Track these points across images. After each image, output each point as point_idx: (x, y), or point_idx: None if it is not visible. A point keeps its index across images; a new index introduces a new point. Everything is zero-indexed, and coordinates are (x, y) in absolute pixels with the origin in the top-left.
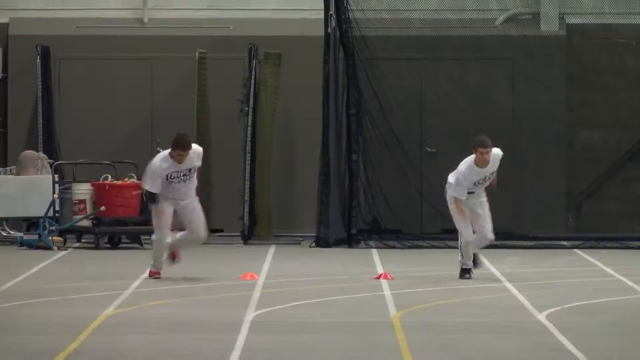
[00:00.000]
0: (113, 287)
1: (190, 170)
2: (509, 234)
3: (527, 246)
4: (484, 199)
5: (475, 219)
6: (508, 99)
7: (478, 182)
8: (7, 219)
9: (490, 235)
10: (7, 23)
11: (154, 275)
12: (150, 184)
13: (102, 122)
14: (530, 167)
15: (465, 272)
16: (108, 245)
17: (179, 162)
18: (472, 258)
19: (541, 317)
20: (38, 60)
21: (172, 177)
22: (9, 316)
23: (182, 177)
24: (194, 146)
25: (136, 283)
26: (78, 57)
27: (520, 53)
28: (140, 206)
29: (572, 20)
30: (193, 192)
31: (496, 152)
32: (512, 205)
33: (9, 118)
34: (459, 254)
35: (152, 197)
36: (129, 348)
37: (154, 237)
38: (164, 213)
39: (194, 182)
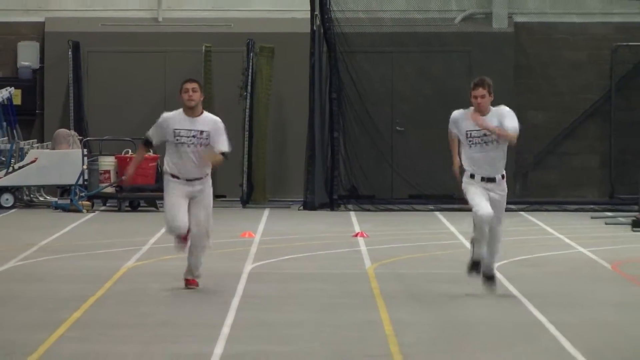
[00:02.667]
0: (133, 244)
1: (202, 133)
2: (461, 198)
3: None
4: (503, 193)
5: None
6: (465, 86)
7: (475, 137)
8: (44, 187)
9: (500, 233)
10: (43, 22)
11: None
12: (152, 131)
13: (123, 105)
14: None
15: (475, 266)
16: (129, 209)
17: (189, 99)
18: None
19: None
20: (70, 53)
21: (181, 134)
22: (46, 267)
23: (192, 139)
24: (211, 115)
25: (152, 240)
26: (103, 50)
27: (475, 47)
28: (156, 175)
29: (519, 19)
30: (207, 176)
31: (503, 108)
32: None
33: (45, 102)
34: (470, 243)
35: (145, 139)
36: (148, 293)
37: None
38: (172, 194)
39: (204, 162)
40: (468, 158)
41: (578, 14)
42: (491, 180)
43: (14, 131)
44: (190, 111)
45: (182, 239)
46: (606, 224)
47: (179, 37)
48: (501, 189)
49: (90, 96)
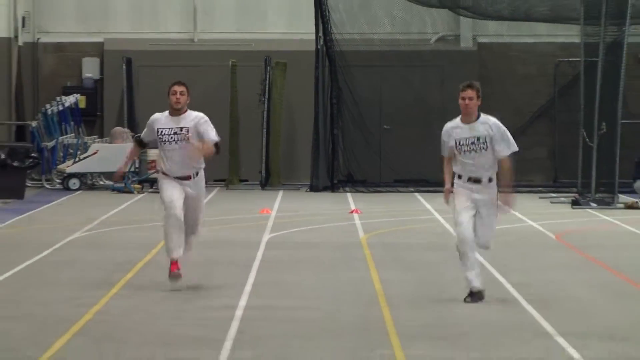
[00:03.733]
0: None
1: (182, 129)
2: (435, 183)
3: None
4: (489, 197)
5: (476, 220)
6: (439, 94)
7: (463, 145)
8: (103, 173)
9: (487, 244)
10: (103, 42)
11: (174, 271)
12: (144, 132)
13: (165, 108)
14: None
15: (473, 296)
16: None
17: (176, 102)
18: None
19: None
20: (124, 67)
21: (163, 132)
22: (105, 237)
23: (174, 137)
24: (196, 112)
25: None
26: (150, 65)
27: (446, 62)
28: None
29: (482, 40)
30: (198, 175)
31: (494, 121)
32: (440, 159)
33: (104, 106)
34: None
35: (137, 138)
36: (183, 258)
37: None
38: (166, 185)
39: (192, 155)
40: (458, 162)
41: (529, 36)
42: (477, 181)
43: (80, 129)
44: (175, 112)
45: (174, 265)
46: (551, 202)
47: (210, 55)
48: (487, 192)
49: (140, 101)
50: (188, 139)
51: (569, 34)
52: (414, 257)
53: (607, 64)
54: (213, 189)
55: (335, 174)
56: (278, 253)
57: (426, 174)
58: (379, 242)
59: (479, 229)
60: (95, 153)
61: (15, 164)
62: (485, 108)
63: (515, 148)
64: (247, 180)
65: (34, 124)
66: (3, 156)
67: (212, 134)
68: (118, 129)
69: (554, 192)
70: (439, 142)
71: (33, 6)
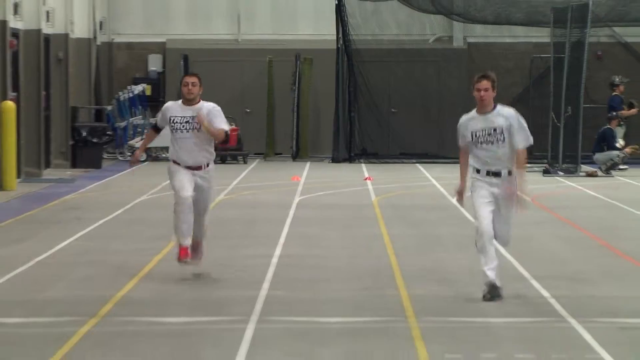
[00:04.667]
0: (223, 184)
1: (194, 118)
2: (433, 155)
3: (447, 162)
4: (510, 191)
5: (495, 215)
6: (436, 84)
7: (480, 136)
8: (165, 147)
9: (507, 239)
10: (165, 42)
11: (183, 257)
12: (158, 118)
13: (212, 96)
14: (443, 125)
15: (492, 290)
16: (220, 162)
17: (188, 92)
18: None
19: (454, 201)
20: (181, 62)
21: (175, 121)
22: (166, 200)
23: (185, 125)
24: (209, 103)
25: (234, 182)
26: (203, 60)
27: (442, 58)
28: (237, 140)
29: (471, 40)
30: (208, 167)
31: (511, 112)
32: (437, 136)
33: (166, 93)
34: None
35: (153, 124)
36: (228, 218)
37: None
38: (176, 173)
39: (204, 144)
40: (475, 156)
41: (509, 37)
42: (497, 174)
43: (146, 112)
44: (188, 102)
45: (184, 251)
46: (544, 172)
47: (251, 52)
48: (507, 185)
49: None
50: (199, 128)
51: (541, 35)
52: (417, 216)
53: (572, 60)
54: (254, 161)
55: (352, 148)
56: (306, 212)
57: (426, 148)
58: (387, 203)
59: (498, 224)
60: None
61: (94, 140)
62: (472, 98)
63: (531, 141)
64: (281, 154)
65: (109, 108)
66: (84, 134)
67: (222, 124)
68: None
69: (528, 163)
70: (436, 123)
71: (108, 13)
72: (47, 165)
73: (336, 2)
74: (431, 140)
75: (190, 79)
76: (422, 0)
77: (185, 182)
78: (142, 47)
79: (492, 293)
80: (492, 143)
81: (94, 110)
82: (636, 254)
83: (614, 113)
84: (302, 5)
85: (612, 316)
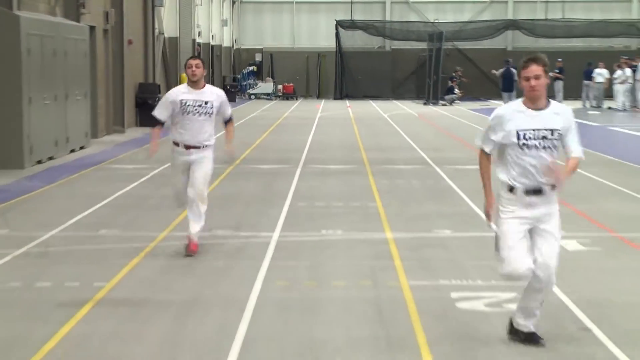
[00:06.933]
0: (284, 111)
1: (207, 103)
2: (377, 97)
3: (382, 100)
4: (553, 210)
5: (536, 241)
6: (378, 68)
7: (530, 139)
8: (259, 94)
9: (550, 276)
10: (262, 47)
11: (191, 247)
12: (158, 111)
13: (285, 75)
14: (381, 84)
15: (528, 337)
16: (286, 99)
17: (192, 74)
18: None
19: (390, 120)
20: (270, 57)
21: (188, 103)
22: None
23: (198, 108)
24: (214, 87)
25: (291, 109)
26: (279, 57)
27: (379, 56)
28: (293, 90)
29: (393, 47)
30: (207, 147)
31: (567, 107)
32: (379, 89)
33: (262, 71)
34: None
35: (153, 120)
36: (291, 123)
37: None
38: (173, 168)
39: (210, 127)
40: (515, 166)
41: (411, 46)
42: (538, 192)
43: (254, 78)
44: (194, 84)
45: (193, 245)
46: (415, 103)
47: (301, 53)
48: (551, 205)
49: (276, 73)
50: (212, 113)
51: (423, 45)
52: (368, 121)
53: (436, 56)
54: (299, 100)
55: (342, 93)
56: (322, 120)
57: (373, 94)
58: (356, 116)
59: (539, 255)
60: (259, 86)
61: (230, 88)
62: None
63: (582, 146)
64: (312, 96)
65: (239, 76)
66: (228, 87)
67: (230, 111)
68: (268, 78)
69: (417, 100)
70: (379, 85)
71: (238, 34)
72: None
73: (335, 31)
74: (376, 91)
75: (194, 62)
76: (371, 30)
77: (180, 186)
78: (252, 50)
79: (534, 340)
80: (545, 149)
81: (232, 77)
82: (459, 134)
83: (454, 79)
84: (322, 31)
85: None
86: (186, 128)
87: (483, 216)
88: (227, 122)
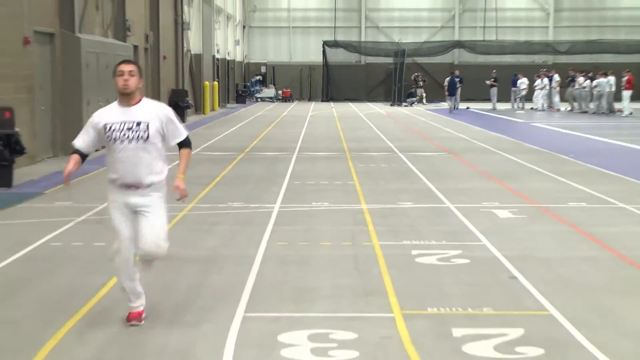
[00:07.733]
0: (283, 110)
1: (139, 125)
2: (355, 100)
3: (359, 102)
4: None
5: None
6: (358, 78)
7: None
8: (271, 97)
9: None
10: (266, 62)
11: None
12: (78, 139)
13: (284, 81)
14: (355, 90)
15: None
16: (289, 101)
17: (124, 84)
18: None
19: (361, 115)
20: (272, 70)
21: (112, 128)
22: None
23: (127, 133)
24: (157, 102)
25: (288, 110)
26: (279, 69)
27: (357, 69)
28: (290, 94)
29: (368, 61)
30: (152, 186)
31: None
32: (357, 93)
33: (267, 81)
34: None
35: (73, 150)
36: (286, 120)
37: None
38: (112, 208)
39: (149, 157)
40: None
41: (381, 61)
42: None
43: (263, 85)
44: (126, 100)
45: (133, 314)
46: (383, 104)
47: (295, 66)
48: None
49: (277, 77)
50: (147, 138)
51: (389, 60)
52: (348, 118)
53: (399, 68)
54: (295, 102)
55: (328, 96)
56: (313, 118)
57: (351, 97)
58: (339, 115)
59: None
60: (263, 91)
61: (242, 93)
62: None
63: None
64: (304, 99)
65: (248, 83)
66: (240, 92)
67: (183, 133)
68: (271, 85)
69: (385, 102)
70: (357, 90)
71: (248, 51)
72: (227, 101)
73: (322, 49)
74: (354, 95)
75: (127, 67)
76: (350, 48)
77: (122, 232)
78: (258, 64)
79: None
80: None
81: (243, 85)
82: (417, 128)
83: (413, 87)
84: (312, 49)
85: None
86: (119, 160)
87: (437, 192)
88: (182, 146)
